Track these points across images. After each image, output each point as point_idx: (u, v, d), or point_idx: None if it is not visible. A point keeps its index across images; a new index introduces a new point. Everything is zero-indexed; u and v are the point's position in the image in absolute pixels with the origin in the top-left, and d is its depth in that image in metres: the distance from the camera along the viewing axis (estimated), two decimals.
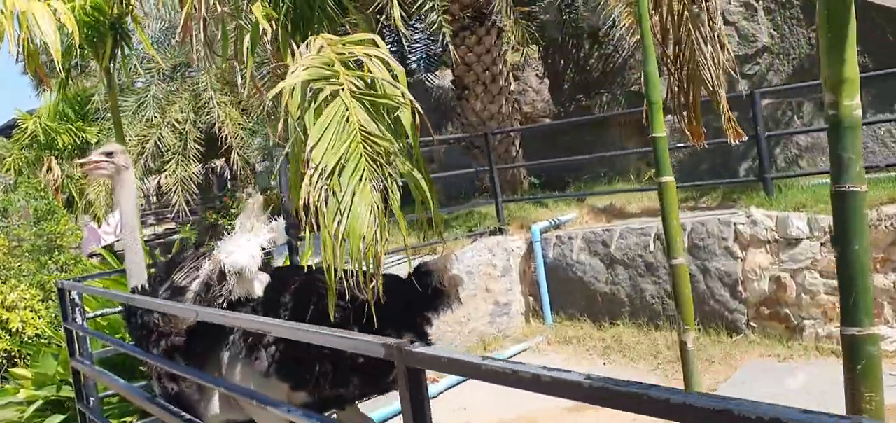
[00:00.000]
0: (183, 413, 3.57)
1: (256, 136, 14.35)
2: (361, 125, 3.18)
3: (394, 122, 3.40)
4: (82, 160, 4.69)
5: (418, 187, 3.22)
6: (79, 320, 4.96)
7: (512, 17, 9.66)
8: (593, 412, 5.66)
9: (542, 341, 7.27)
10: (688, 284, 4.05)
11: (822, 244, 5.85)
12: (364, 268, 2.99)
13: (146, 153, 15.59)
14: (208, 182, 22.22)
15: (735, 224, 6.32)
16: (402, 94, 3.36)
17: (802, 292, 5.96)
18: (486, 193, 9.18)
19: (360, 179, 3.04)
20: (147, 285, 3.94)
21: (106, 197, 16.84)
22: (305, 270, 4.17)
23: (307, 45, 3.63)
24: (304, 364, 3.68)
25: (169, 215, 22.94)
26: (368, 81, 3.41)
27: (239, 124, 15.90)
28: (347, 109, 3.19)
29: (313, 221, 2.95)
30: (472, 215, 8.31)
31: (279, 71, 4.45)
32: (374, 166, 3.11)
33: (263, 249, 3.65)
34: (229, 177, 21.96)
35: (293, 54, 4.38)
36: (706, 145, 4.80)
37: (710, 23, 3.96)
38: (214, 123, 15.76)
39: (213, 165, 22.04)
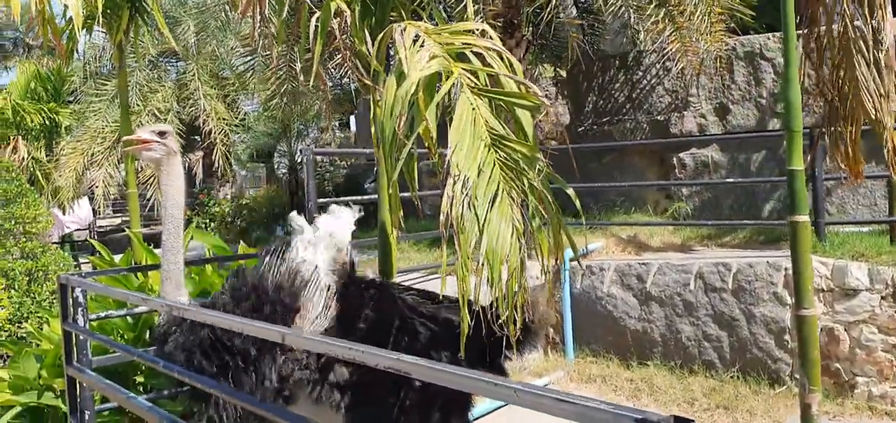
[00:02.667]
0: None
1: (248, 133, 13.72)
2: (490, 127, 2.70)
3: (515, 123, 2.93)
4: (128, 137, 4.13)
5: (548, 204, 2.74)
6: (81, 321, 4.35)
7: (531, 33, 9.28)
8: None
9: (563, 377, 6.81)
10: (816, 338, 3.63)
11: (882, 298, 5.52)
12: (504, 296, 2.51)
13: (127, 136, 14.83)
14: (188, 177, 21.41)
15: (785, 269, 5.97)
16: (525, 89, 2.90)
17: (857, 347, 5.62)
18: None
19: (497, 192, 2.56)
20: (225, 300, 3.36)
21: (74, 183, 15.97)
22: (383, 283, 3.67)
23: (402, 33, 3.14)
24: (387, 402, 3.18)
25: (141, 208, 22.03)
26: (486, 75, 2.93)
27: (224, 119, 15.25)
28: (474, 109, 2.71)
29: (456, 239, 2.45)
30: None
31: (356, 62, 3.92)
32: (510, 176, 2.62)
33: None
34: (200, 175, 21.19)
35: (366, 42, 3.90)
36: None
37: (876, 44, 3.56)
38: (198, 116, 15.08)
39: (187, 158, 21.26)
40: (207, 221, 14.88)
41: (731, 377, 6.15)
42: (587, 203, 9.25)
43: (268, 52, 9.32)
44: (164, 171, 3.77)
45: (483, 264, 2.52)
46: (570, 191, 2.75)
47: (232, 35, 13.36)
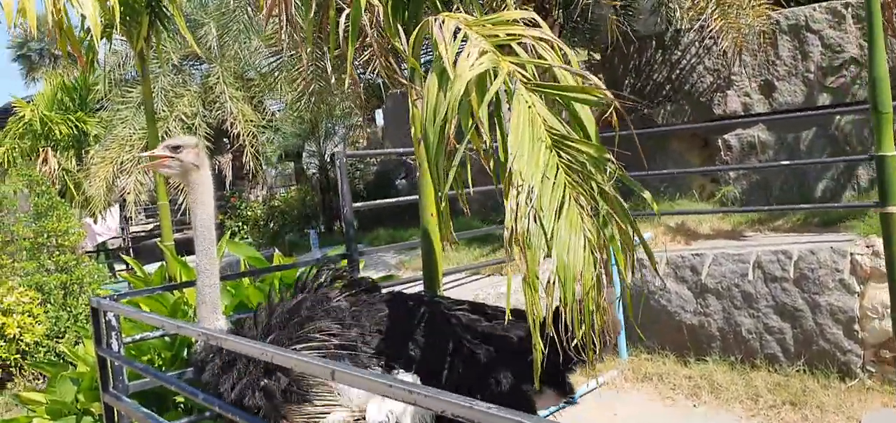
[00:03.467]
0: None
1: (277, 134, 13.52)
2: (549, 127, 2.41)
3: (573, 120, 2.64)
4: (147, 153, 3.95)
5: (620, 211, 2.45)
6: (115, 346, 4.16)
7: (562, 16, 8.93)
8: None
9: (617, 377, 6.50)
10: None
11: None
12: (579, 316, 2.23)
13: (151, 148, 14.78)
14: (218, 179, 21.37)
15: (852, 255, 5.60)
16: (584, 82, 2.60)
17: None
18: None
19: (563, 200, 2.28)
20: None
21: (105, 192, 15.95)
22: (433, 300, 3.41)
23: (441, 26, 2.85)
24: None
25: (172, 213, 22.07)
26: (535, 69, 2.64)
27: (251, 121, 15.09)
28: (530, 106, 2.42)
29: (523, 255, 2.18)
30: None
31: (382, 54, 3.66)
32: (576, 180, 2.34)
33: None
34: (230, 177, 21.10)
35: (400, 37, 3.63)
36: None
37: None
38: (225, 119, 14.94)
39: (216, 161, 21.19)
40: (240, 224, 14.75)
41: (797, 370, 5.80)
42: (626, 192, 8.89)
43: (294, 52, 9.09)
44: (189, 187, 3.54)
45: (553, 283, 2.24)
46: (648, 195, 2.46)
47: (255, 36, 13.19)
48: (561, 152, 2.38)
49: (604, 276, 2.35)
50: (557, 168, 2.34)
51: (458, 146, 2.43)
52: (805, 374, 5.77)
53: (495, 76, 2.54)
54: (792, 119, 8.03)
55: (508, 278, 2.31)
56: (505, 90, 2.46)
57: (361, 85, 11.45)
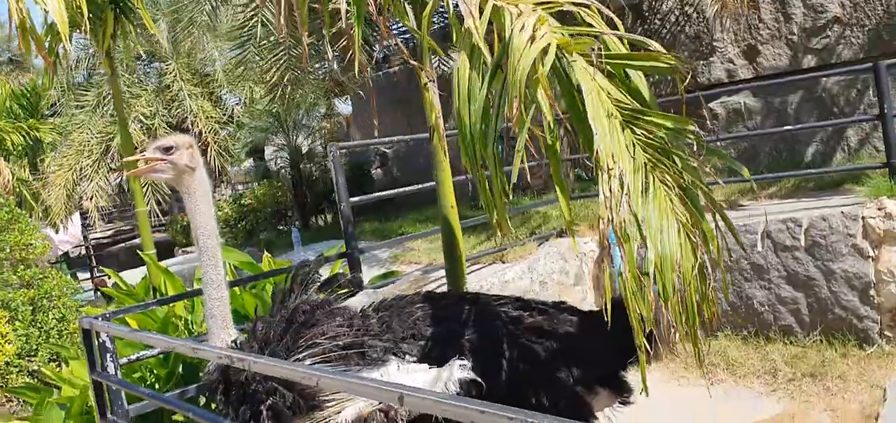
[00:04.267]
0: None
1: (241, 130, 13.02)
2: (615, 100, 2.16)
3: (628, 92, 2.39)
4: (131, 158, 3.55)
5: (702, 187, 2.21)
6: (111, 369, 3.80)
7: None
8: None
9: None
10: None
11: None
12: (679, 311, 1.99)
13: (112, 151, 14.20)
14: None
15: (864, 218, 5.48)
16: (641, 51, 2.35)
17: None
18: (528, 190, 8.20)
19: (646, 182, 2.03)
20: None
21: (65, 200, 15.32)
22: (479, 296, 3.14)
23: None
24: None
25: (131, 215, 21.36)
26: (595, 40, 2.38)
27: (212, 117, 14.57)
28: (593, 78, 2.16)
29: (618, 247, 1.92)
30: (528, 215, 7.32)
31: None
32: (658, 158, 2.09)
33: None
34: None
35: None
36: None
37: None
38: (186, 117, 14.41)
39: None
40: None
41: (814, 341, 5.68)
42: None
43: (263, 42, 8.70)
44: (183, 192, 3.16)
45: (652, 274, 2.00)
46: (745, 171, 2.23)
47: (211, 31, 12.70)
48: (635, 128, 2.14)
49: (708, 262, 2.11)
50: (634, 146, 2.09)
51: (522, 122, 2.15)
52: (822, 344, 5.66)
53: (543, 50, 2.27)
54: (777, 84, 7.92)
55: (606, 277, 2.05)
56: (567, 63, 2.20)
57: (330, 70, 11.08)
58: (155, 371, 4.97)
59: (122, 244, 22.21)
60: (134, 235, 21.53)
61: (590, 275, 6.69)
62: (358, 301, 3.09)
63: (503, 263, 6.30)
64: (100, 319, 4.01)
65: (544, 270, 6.22)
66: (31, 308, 10.17)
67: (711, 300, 2.18)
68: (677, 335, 2.26)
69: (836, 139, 7.94)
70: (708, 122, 8.59)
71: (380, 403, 2.44)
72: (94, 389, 3.87)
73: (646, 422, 5.28)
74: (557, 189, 2.47)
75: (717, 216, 2.35)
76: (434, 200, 10.34)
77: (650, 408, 5.48)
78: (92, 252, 20.64)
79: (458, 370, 2.46)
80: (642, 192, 2.02)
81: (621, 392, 2.96)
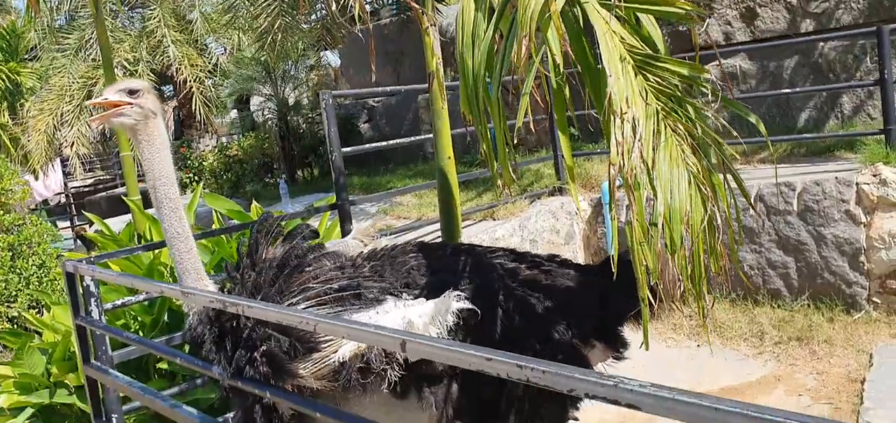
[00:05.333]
0: None
1: (227, 79, 12.77)
2: (629, 46, 2.07)
3: (639, 39, 2.30)
4: (94, 101, 3.36)
5: (714, 139, 2.14)
6: (96, 314, 3.73)
7: None
8: None
9: None
10: None
11: None
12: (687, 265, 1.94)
13: (95, 96, 13.92)
14: None
15: (858, 184, 5.46)
16: None
17: None
18: (521, 146, 8.11)
19: (658, 130, 1.95)
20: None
21: (46, 146, 15.03)
22: (474, 248, 3.07)
23: None
24: (492, 401, 2.61)
25: (112, 165, 21.07)
26: None
27: (197, 65, 14.30)
28: (606, 21, 2.07)
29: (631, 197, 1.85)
30: (520, 173, 7.24)
31: None
32: (671, 106, 2.01)
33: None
34: (172, 127, 20.13)
35: None
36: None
37: None
38: (170, 65, 14.12)
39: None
40: (192, 175, 14.07)
41: (802, 306, 5.69)
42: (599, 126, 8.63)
43: None
44: (143, 140, 2.90)
45: (661, 225, 1.94)
46: (754, 118, 2.16)
47: None
48: (648, 74, 2.05)
49: (717, 215, 2.05)
50: (647, 93, 2.01)
51: (526, 68, 2.06)
52: (810, 309, 5.67)
53: None
54: (774, 47, 7.85)
55: (613, 222, 1.98)
56: (579, 5, 2.11)
57: (322, 23, 10.86)
58: (139, 319, 4.89)
59: (104, 193, 21.89)
60: (116, 184, 21.22)
61: (580, 234, 6.64)
62: (348, 248, 3.01)
63: (494, 220, 6.24)
64: (84, 262, 3.91)
65: (535, 228, 6.17)
66: (9, 254, 10.02)
67: (719, 254, 2.13)
68: (682, 289, 2.21)
69: (830, 106, 7.90)
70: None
71: None
72: (78, 334, 3.78)
73: (638, 376, 5.31)
74: (560, 135, 2.40)
75: (728, 175, 2.29)
76: (423, 156, 10.25)
77: (637, 368, 5.49)
78: (72, 201, 20.36)
79: (455, 300, 2.39)
80: (654, 140, 1.94)
81: (617, 347, 2.92)
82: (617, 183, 1.93)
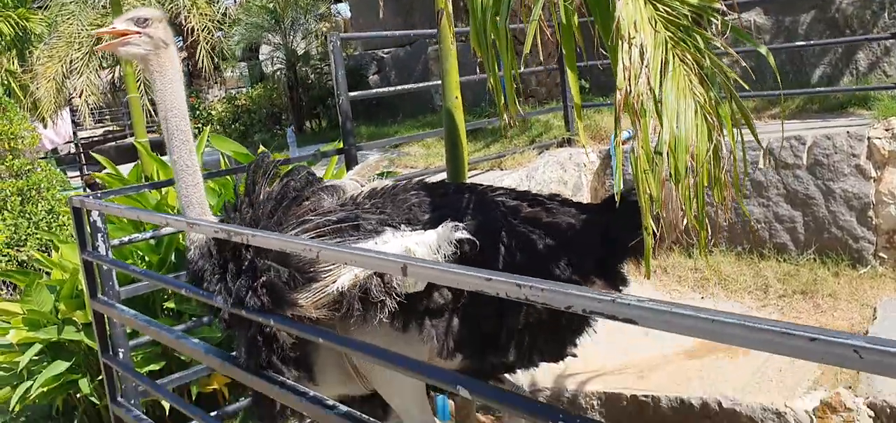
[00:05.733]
0: (277, 377, 2.50)
1: (235, 27, 12.70)
2: None
3: None
4: (102, 30, 3.35)
5: (722, 72, 2.12)
6: (102, 249, 3.75)
7: None
8: (713, 357, 4.81)
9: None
10: None
11: None
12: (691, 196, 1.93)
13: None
14: None
15: (870, 138, 5.41)
16: None
17: None
18: (531, 98, 8.05)
19: (666, 60, 1.93)
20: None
21: (54, 94, 15.03)
22: (478, 186, 3.07)
23: None
24: (492, 334, 2.62)
25: (122, 115, 21.10)
26: None
27: (206, 14, 14.20)
28: None
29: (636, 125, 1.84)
30: (529, 124, 7.19)
31: None
32: (680, 36, 1.98)
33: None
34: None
35: None
36: None
37: None
38: (179, 12, 14.03)
39: None
40: (201, 125, 14.08)
41: (807, 260, 5.67)
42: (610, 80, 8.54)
43: None
44: (155, 70, 2.95)
45: (666, 154, 1.92)
46: (764, 49, 2.14)
47: None
48: (657, 4, 2.02)
49: (724, 146, 2.04)
50: (656, 21, 1.98)
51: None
52: (815, 263, 5.66)
53: None
54: (790, 1, 7.73)
55: (618, 152, 1.97)
56: None
57: None
58: (146, 258, 4.93)
59: (113, 143, 21.95)
60: (126, 134, 21.26)
61: (588, 186, 6.63)
62: (346, 188, 3.01)
63: (501, 170, 6.23)
64: (91, 197, 3.93)
65: (542, 178, 6.16)
66: (19, 199, 10.09)
67: (723, 183, 2.12)
68: (685, 220, 2.20)
69: (845, 62, 7.79)
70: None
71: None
72: (85, 269, 3.81)
73: (635, 332, 5.33)
74: (568, 71, 2.37)
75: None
76: (432, 109, 10.18)
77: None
78: (81, 150, 20.42)
79: (454, 231, 2.40)
80: (661, 69, 1.92)
81: (617, 284, 2.93)
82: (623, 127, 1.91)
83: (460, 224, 2.42)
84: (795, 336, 1.17)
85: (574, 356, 2.93)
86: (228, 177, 4.81)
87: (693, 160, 1.96)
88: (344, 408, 2.18)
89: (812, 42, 7.31)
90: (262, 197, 2.79)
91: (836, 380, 4.16)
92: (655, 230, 2.17)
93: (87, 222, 3.75)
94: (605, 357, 4.89)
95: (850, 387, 4.02)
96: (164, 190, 4.95)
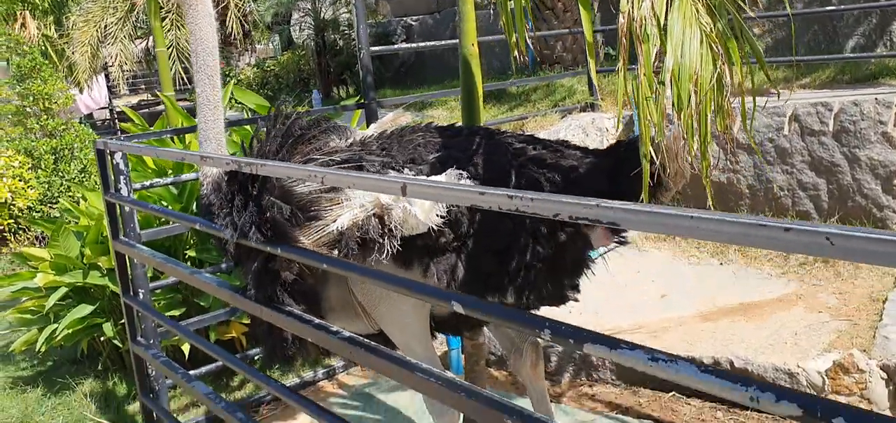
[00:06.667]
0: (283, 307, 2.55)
1: None
2: None
3: None
4: None
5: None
6: (124, 190, 3.84)
7: None
8: (728, 320, 4.79)
9: (638, 235, 6.30)
10: None
11: None
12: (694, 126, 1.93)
13: (137, 10, 14.04)
14: None
15: None
16: None
17: None
18: (557, 65, 8.02)
19: None
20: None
21: (90, 59, 15.25)
22: (488, 129, 3.09)
23: None
24: (492, 274, 2.65)
25: (156, 84, 21.38)
26: None
27: None
28: None
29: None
30: (552, 88, 7.16)
31: None
32: None
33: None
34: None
35: None
36: None
37: None
38: None
39: None
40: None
41: None
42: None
43: None
44: (188, 6, 3.07)
45: (668, 81, 1.92)
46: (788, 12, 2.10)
47: None
48: None
49: (728, 73, 2.03)
50: None
51: None
52: None
53: None
54: None
55: (620, 80, 1.97)
56: None
57: None
58: (168, 207, 5.03)
59: (147, 110, 22.30)
60: (159, 102, 21.58)
61: None
62: (361, 132, 3.04)
63: (523, 132, 6.22)
64: (114, 140, 4.02)
65: None
66: (53, 158, 10.35)
67: (727, 112, 2.11)
68: (686, 148, 2.19)
69: (879, 33, 7.63)
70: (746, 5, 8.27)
71: (374, 208, 2.43)
72: (108, 210, 3.92)
73: (658, 291, 5.32)
74: (581, 8, 2.37)
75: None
76: (458, 74, 10.19)
77: (657, 282, 5.50)
78: (115, 117, 20.76)
79: (454, 175, 2.44)
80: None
81: (619, 230, 2.92)
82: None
83: (464, 173, 2.45)
84: (770, 227, 1.18)
85: (576, 300, 2.93)
86: (249, 127, 4.88)
87: (696, 88, 1.96)
88: (347, 333, 2.23)
89: (841, 7, 7.15)
90: (271, 135, 2.84)
91: (851, 344, 4.13)
92: (654, 158, 2.16)
93: (110, 164, 3.85)
94: (620, 319, 4.90)
95: (864, 350, 3.99)
96: (187, 140, 5.04)
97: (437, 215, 2.46)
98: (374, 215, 2.40)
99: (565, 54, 8.05)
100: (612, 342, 1.46)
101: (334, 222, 2.44)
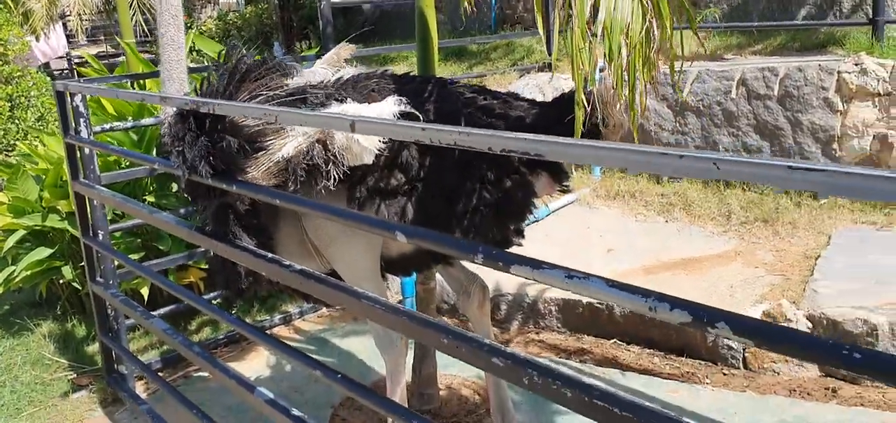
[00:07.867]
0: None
1: None
2: None
3: None
4: None
5: None
6: (84, 132, 3.89)
7: None
8: (670, 273, 5.03)
9: (590, 194, 6.52)
10: None
11: None
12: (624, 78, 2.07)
13: None
14: None
15: (840, 73, 5.54)
16: None
17: None
18: (518, 25, 8.12)
19: None
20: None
21: (47, 4, 14.90)
22: (441, 79, 3.21)
23: None
24: (441, 216, 2.79)
25: (116, 33, 20.92)
26: None
27: None
28: None
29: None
30: (512, 48, 7.29)
31: None
32: None
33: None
34: None
35: None
36: None
37: None
38: None
39: None
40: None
41: (771, 189, 5.86)
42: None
43: None
44: None
45: (601, 33, 2.07)
46: None
47: None
48: None
49: (655, 27, 2.18)
50: None
51: None
52: (779, 192, 5.84)
53: None
54: None
55: (557, 40, 2.10)
56: None
57: None
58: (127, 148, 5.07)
59: (107, 61, 21.85)
60: (119, 54, 21.14)
61: None
62: (314, 76, 3.09)
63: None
64: (74, 82, 4.05)
65: None
66: (8, 105, 10.16)
67: (652, 63, 2.26)
68: (617, 98, 2.35)
69: (829, 3, 7.87)
70: None
71: (317, 134, 2.53)
72: (67, 152, 3.97)
73: (605, 246, 5.54)
74: None
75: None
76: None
77: (604, 236, 5.71)
78: (74, 67, 20.31)
79: (395, 104, 2.56)
80: None
81: (561, 179, 3.06)
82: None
83: (404, 99, 2.57)
84: (668, 155, 1.33)
85: (520, 244, 3.09)
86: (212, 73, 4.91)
87: (627, 41, 2.10)
88: (298, 266, 2.36)
89: None
90: (219, 74, 2.90)
91: (782, 296, 4.39)
92: (586, 105, 2.31)
93: (70, 106, 3.89)
94: None
95: (794, 302, 4.24)
96: (147, 86, 5.06)
97: (380, 141, 2.57)
98: (317, 140, 2.51)
99: (526, 15, 8.17)
100: (534, 263, 1.61)
101: (280, 150, 2.54)
